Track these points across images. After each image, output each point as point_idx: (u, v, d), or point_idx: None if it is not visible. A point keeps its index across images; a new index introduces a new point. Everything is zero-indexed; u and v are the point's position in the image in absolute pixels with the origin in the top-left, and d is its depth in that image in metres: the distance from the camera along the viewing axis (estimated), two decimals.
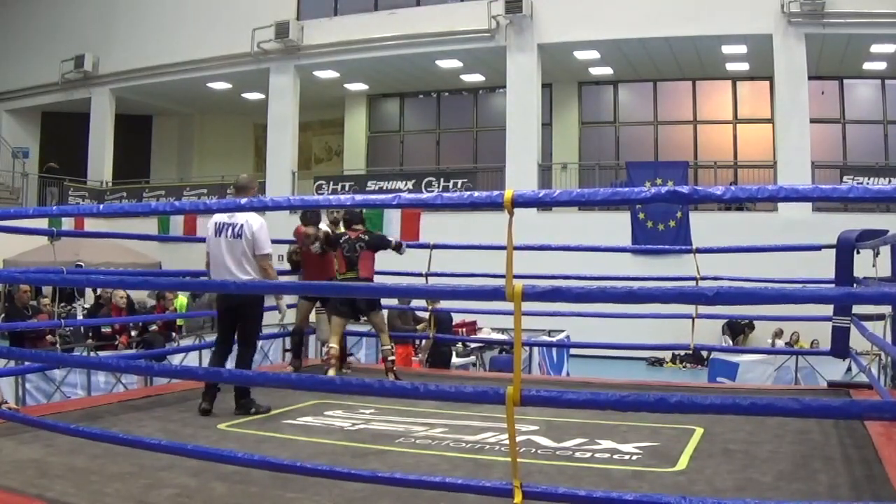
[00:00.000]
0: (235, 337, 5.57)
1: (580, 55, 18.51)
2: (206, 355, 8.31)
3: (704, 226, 14.87)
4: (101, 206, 9.39)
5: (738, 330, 15.64)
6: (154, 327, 10.07)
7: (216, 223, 5.45)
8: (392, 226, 17.25)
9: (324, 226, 7.20)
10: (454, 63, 19.42)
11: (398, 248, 7.01)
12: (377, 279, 6.91)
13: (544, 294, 2.80)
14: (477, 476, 3.48)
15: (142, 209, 4.46)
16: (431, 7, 18.59)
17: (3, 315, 9.99)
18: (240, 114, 23.33)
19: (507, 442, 3.33)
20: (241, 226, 5.35)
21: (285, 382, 4.06)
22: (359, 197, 3.40)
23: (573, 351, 11.19)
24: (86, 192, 20.77)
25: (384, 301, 8.62)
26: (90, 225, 16.54)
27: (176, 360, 7.90)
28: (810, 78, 16.31)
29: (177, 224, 18.52)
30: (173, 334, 10.08)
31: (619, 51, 18.04)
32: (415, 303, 9.13)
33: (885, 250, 5.23)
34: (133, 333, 9.94)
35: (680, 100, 20.06)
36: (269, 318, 10.29)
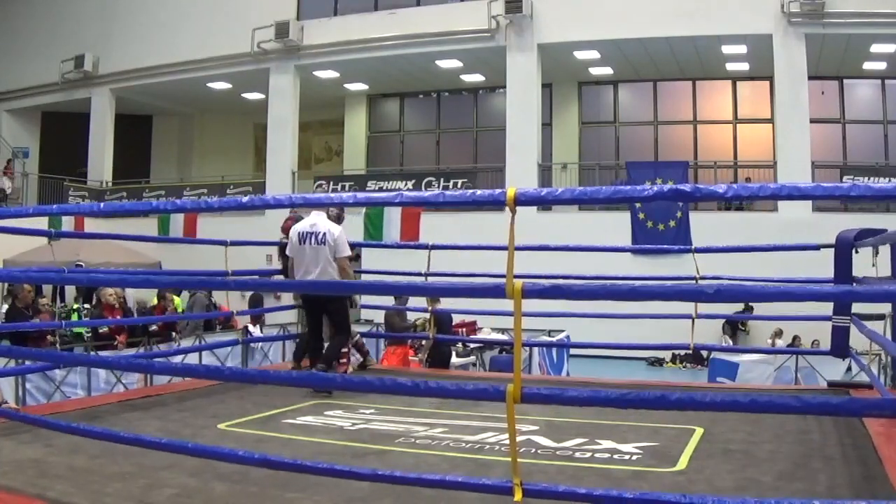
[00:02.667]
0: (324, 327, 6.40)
1: (580, 55, 18.51)
2: (207, 356, 8.32)
3: (704, 226, 14.89)
4: (102, 205, 9.36)
5: (735, 324, 15.59)
6: (154, 328, 10.05)
7: (299, 233, 6.26)
8: (392, 225, 17.26)
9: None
10: (454, 63, 19.42)
11: None
12: (368, 278, 7.06)
13: (545, 291, 2.80)
14: (477, 475, 3.47)
15: (142, 208, 4.47)
16: (431, 7, 18.59)
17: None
18: (240, 114, 23.33)
19: (507, 442, 3.32)
20: (324, 234, 6.20)
21: (286, 381, 4.06)
22: (361, 195, 3.40)
23: (573, 351, 11.18)
24: (86, 192, 20.76)
25: (383, 301, 8.64)
26: (90, 225, 16.55)
27: (175, 360, 7.87)
28: (810, 78, 16.32)
29: (177, 224, 18.54)
30: (173, 334, 10.06)
31: (619, 51, 18.04)
32: (415, 303, 9.10)
33: (885, 249, 5.22)
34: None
35: (680, 100, 20.06)
36: (271, 318, 10.38)
